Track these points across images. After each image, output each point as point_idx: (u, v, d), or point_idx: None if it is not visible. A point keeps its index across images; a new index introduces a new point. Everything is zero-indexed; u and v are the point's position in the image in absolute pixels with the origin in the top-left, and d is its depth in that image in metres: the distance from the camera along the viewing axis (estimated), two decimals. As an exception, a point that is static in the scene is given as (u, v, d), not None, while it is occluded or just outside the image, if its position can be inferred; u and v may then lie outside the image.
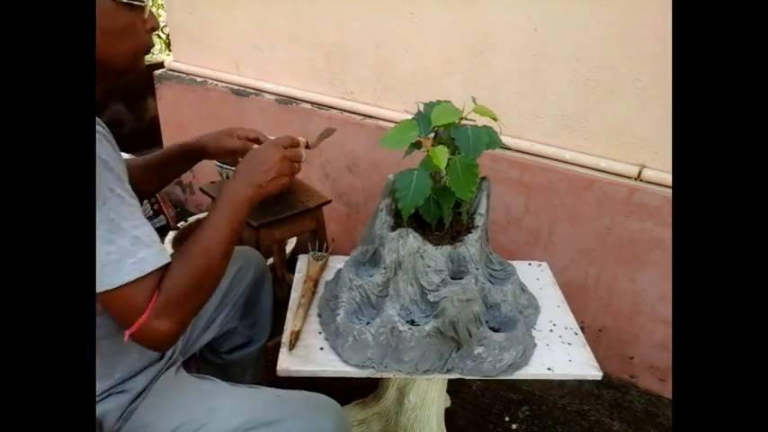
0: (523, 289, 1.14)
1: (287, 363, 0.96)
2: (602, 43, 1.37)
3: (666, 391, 1.62)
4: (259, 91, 2.06)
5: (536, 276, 1.28)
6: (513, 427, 1.49)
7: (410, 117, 1.00)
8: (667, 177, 1.41)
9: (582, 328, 1.66)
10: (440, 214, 1.00)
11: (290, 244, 1.98)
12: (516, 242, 1.69)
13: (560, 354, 1.04)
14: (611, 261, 1.55)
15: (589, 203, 1.52)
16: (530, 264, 1.34)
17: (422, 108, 1.01)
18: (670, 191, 1.41)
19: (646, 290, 1.53)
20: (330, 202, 1.52)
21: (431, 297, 0.96)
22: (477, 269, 1.01)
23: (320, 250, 1.26)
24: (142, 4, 0.75)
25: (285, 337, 1.01)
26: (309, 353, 0.99)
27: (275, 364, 0.96)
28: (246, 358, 1.26)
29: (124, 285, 0.68)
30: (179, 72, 2.27)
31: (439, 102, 0.99)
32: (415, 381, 1.15)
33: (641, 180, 1.45)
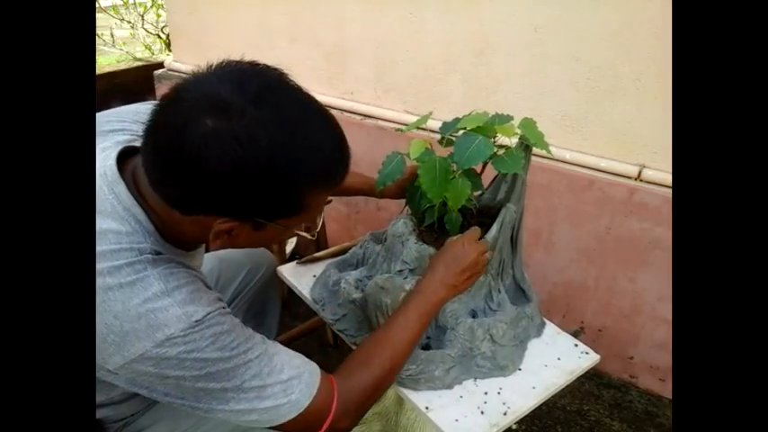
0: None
1: None
2: (602, 43, 1.37)
3: (666, 391, 1.62)
4: (259, 91, 2.05)
5: None
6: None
7: (408, 117, 0.99)
8: (667, 177, 1.41)
9: (582, 328, 1.67)
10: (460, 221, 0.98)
11: (290, 244, 1.98)
12: (516, 242, 1.69)
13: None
14: (611, 261, 1.55)
15: (589, 203, 1.52)
16: None
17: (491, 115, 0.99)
18: (670, 191, 1.41)
19: (646, 290, 1.53)
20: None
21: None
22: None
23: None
24: (312, 238, 0.73)
25: None
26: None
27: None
28: None
29: (288, 422, 0.69)
30: (179, 72, 2.27)
31: (499, 114, 0.98)
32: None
33: (641, 180, 1.45)
